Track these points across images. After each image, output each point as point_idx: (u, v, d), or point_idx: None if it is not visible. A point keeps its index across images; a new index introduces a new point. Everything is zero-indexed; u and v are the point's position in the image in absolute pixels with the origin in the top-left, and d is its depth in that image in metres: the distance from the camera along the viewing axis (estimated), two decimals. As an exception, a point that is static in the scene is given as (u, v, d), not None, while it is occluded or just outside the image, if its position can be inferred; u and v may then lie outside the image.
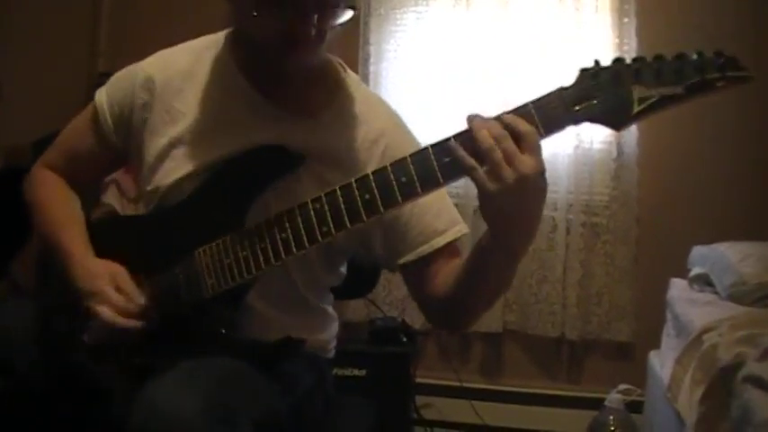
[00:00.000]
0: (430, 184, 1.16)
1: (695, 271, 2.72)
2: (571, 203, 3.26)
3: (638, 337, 3.23)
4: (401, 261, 1.44)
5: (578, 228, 3.27)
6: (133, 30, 3.50)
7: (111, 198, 2.91)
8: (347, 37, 3.36)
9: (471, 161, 1.10)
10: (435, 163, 1.15)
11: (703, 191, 3.23)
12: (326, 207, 1.22)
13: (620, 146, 3.24)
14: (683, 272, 2.81)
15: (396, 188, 1.17)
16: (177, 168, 1.43)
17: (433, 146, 1.16)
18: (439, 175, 1.15)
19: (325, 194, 1.22)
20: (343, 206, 1.21)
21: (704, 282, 2.65)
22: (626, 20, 3.17)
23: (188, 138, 1.44)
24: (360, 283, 1.66)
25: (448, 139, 1.14)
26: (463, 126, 1.15)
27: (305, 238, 1.24)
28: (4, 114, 2.80)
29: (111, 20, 3.64)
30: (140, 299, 1.34)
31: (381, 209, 1.19)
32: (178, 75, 1.48)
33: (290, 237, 1.25)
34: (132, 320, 1.32)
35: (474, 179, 1.11)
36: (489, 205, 1.13)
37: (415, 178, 1.16)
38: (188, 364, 1.20)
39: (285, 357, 1.39)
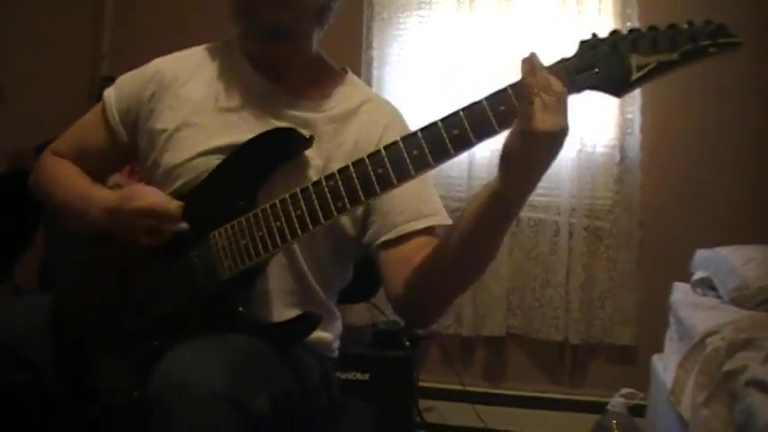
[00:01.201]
0: (441, 155, 1.20)
1: (698, 275, 2.72)
2: (574, 207, 3.26)
3: (641, 341, 3.23)
4: (381, 240, 1.45)
5: (581, 232, 3.27)
6: (136, 33, 3.51)
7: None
8: (350, 41, 3.36)
9: (534, 90, 1.13)
10: (446, 135, 1.19)
11: (706, 195, 3.23)
12: (340, 183, 1.25)
13: (622, 150, 3.24)
14: (685, 276, 2.81)
15: (408, 161, 1.21)
16: (186, 149, 1.47)
17: (442, 120, 1.21)
18: (450, 146, 1.19)
19: (339, 171, 1.26)
20: (357, 181, 1.24)
21: (707, 286, 2.65)
22: (629, 24, 3.17)
23: (196, 120, 1.49)
24: (362, 286, 1.66)
25: (457, 111, 1.20)
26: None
27: (320, 214, 1.27)
28: (6, 118, 2.81)
29: (114, 23, 3.66)
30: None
31: (395, 181, 1.23)
32: (188, 68, 1.56)
33: (306, 214, 1.28)
34: (177, 203, 1.36)
35: (526, 111, 1.13)
36: (524, 143, 1.14)
37: (427, 150, 1.20)
38: (205, 338, 1.21)
39: (302, 334, 1.40)
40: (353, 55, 3.35)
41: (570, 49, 1.21)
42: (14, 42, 2.98)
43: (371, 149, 1.26)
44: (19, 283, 2.52)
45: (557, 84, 1.14)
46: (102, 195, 1.47)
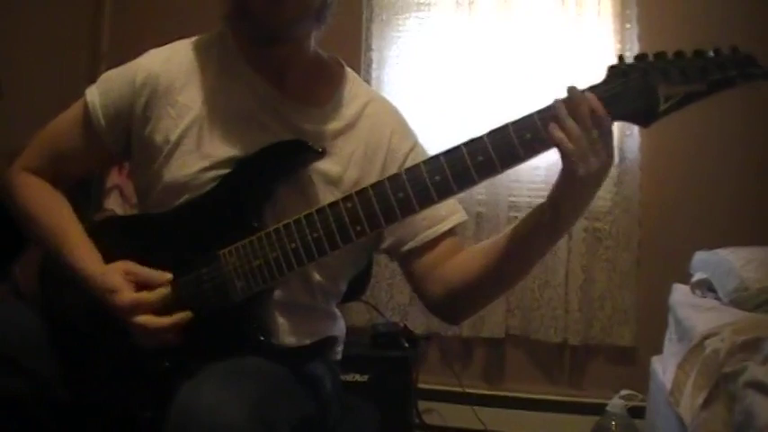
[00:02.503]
0: (465, 182, 1.20)
1: (697, 276, 2.72)
2: (573, 208, 3.24)
3: (640, 342, 3.23)
4: (406, 248, 1.45)
5: (580, 233, 3.26)
6: (135, 32, 3.49)
7: (113, 204, 2.91)
8: (349, 43, 3.37)
9: (567, 144, 1.15)
10: (470, 162, 1.18)
11: (705, 196, 3.23)
12: (359, 206, 1.23)
13: (622, 151, 3.24)
14: (685, 277, 2.81)
15: (430, 186, 1.20)
16: (189, 163, 1.40)
17: (465, 144, 1.20)
18: (474, 173, 1.19)
19: (356, 193, 1.24)
20: (376, 205, 1.23)
21: (706, 287, 2.65)
22: (628, 26, 3.18)
23: (197, 132, 1.41)
24: (353, 285, 1.65)
25: (482, 137, 1.19)
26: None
27: (338, 238, 1.25)
28: (6, 116, 2.81)
29: (113, 21, 3.65)
30: (164, 276, 1.31)
31: (417, 207, 1.22)
32: (182, 70, 1.45)
33: (323, 236, 1.25)
34: (173, 318, 1.29)
35: (568, 160, 1.16)
36: (570, 186, 1.19)
37: (450, 177, 1.19)
38: (226, 367, 1.18)
39: (318, 356, 1.39)
40: (353, 56, 3.34)
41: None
42: (14, 41, 2.98)
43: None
44: (19, 283, 2.51)
45: (602, 114, 1.15)
46: (85, 259, 1.36)
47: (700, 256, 2.78)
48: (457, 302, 1.42)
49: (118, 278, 1.32)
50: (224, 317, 1.32)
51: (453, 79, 3.30)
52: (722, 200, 3.20)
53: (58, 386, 1.33)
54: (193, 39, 1.52)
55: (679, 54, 1.14)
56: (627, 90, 1.15)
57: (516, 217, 3.28)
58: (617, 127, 3.15)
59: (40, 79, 3.09)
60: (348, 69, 1.56)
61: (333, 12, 1.45)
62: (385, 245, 1.47)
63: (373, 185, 1.23)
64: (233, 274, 1.30)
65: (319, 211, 1.26)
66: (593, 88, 1.17)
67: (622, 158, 3.24)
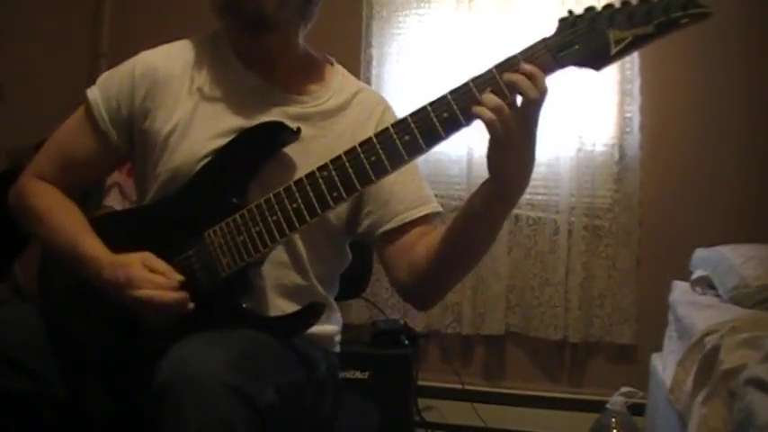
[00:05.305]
0: (433, 139, 1.23)
1: (697, 273, 2.72)
2: (573, 206, 3.25)
3: (640, 340, 3.23)
4: (383, 230, 1.48)
5: (581, 230, 3.27)
6: (135, 32, 3.49)
7: (113, 201, 2.92)
8: (349, 40, 3.37)
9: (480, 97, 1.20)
10: (435, 119, 1.22)
11: (706, 193, 3.23)
12: (334, 173, 1.27)
13: (622, 149, 3.24)
14: (685, 274, 2.80)
15: (401, 147, 1.24)
16: (180, 151, 1.45)
17: (431, 103, 1.24)
18: (440, 129, 1.23)
19: (331, 161, 1.28)
20: (351, 170, 1.26)
21: (706, 284, 2.65)
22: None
23: (188, 121, 1.46)
24: (353, 281, 1.67)
25: (445, 95, 1.24)
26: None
27: (316, 206, 1.29)
28: (6, 116, 2.81)
29: (112, 21, 3.65)
30: (176, 275, 1.33)
31: (389, 168, 1.25)
32: (178, 63, 1.52)
33: (302, 206, 1.29)
34: (180, 293, 1.31)
35: (483, 119, 1.19)
36: (494, 141, 1.20)
37: (418, 135, 1.23)
38: (213, 332, 1.22)
39: (307, 324, 1.41)
40: (353, 53, 3.35)
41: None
42: (14, 40, 2.98)
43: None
44: (19, 282, 2.52)
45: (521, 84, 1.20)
46: (102, 271, 1.35)
47: (700, 254, 2.78)
48: (423, 284, 1.44)
49: (129, 257, 1.35)
50: (215, 294, 1.36)
51: (453, 77, 3.29)
52: (722, 197, 3.20)
53: (58, 385, 1.35)
54: (191, 38, 1.58)
55: (625, 2, 1.19)
56: (577, 38, 1.21)
57: (516, 214, 3.29)
58: (616, 123, 3.19)
59: (40, 79, 3.09)
60: (339, 65, 1.62)
61: (318, 9, 1.52)
62: (362, 228, 1.51)
63: (346, 152, 1.27)
64: (219, 251, 1.35)
65: (297, 182, 1.30)
66: (544, 40, 1.23)
67: (623, 156, 3.25)
